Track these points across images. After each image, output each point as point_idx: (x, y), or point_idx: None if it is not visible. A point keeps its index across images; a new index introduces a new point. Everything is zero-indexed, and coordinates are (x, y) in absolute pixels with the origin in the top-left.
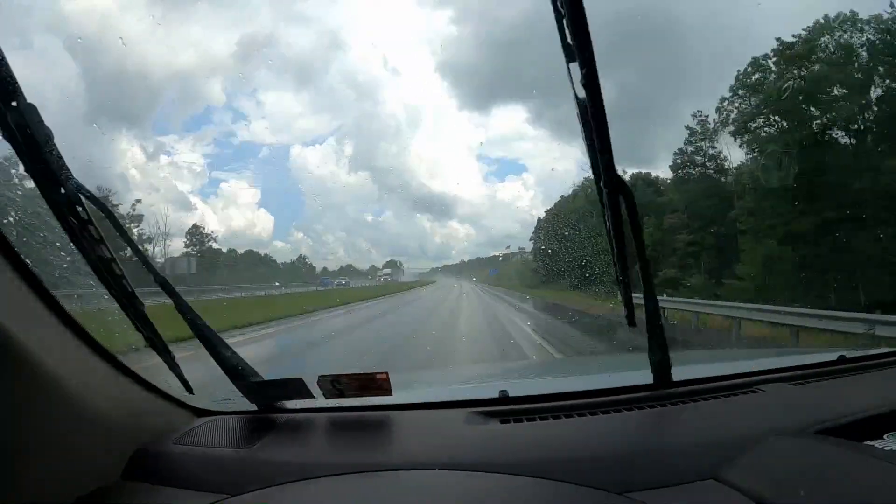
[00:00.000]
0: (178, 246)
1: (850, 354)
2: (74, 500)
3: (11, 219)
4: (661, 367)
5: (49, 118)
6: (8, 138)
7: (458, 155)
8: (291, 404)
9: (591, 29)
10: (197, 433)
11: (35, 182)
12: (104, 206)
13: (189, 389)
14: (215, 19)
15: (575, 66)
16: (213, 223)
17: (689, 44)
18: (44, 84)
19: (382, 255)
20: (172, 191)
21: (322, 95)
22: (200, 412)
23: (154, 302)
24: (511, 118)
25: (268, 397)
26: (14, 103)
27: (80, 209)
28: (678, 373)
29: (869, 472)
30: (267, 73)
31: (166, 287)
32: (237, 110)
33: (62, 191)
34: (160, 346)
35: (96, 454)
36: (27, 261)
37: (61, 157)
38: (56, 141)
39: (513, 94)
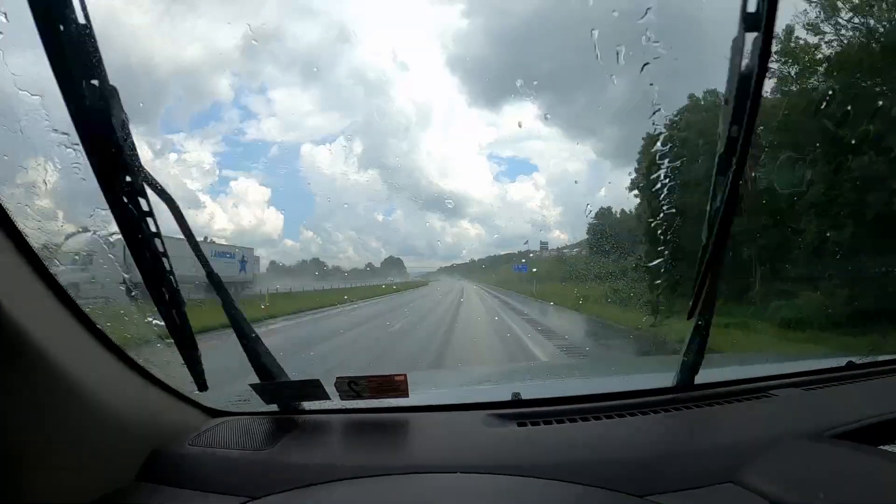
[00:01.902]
0: None
1: (858, 361)
2: (89, 501)
3: (31, 216)
4: (681, 371)
5: (58, 114)
6: (77, 115)
7: (469, 153)
8: (308, 405)
9: (605, 21)
10: (212, 434)
11: (96, 168)
12: (171, 200)
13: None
14: (220, 12)
15: (751, 36)
16: (223, 221)
17: (707, 39)
18: (51, 80)
19: (391, 253)
20: (181, 188)
21: (331, 91)
22: (215, 413)
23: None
24: (522, 115)
25: (284, 398)
26: (95, 81)
27: (142, 200)
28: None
29: (885, 475)
30: (275, 69)
31: (215, 282)
32: (245, 107)
33: (127, 179)
34: (189, 345)
35: (111, 455)
36: (44, 260)
37: (134, 146)
38: (64, 137)
39: (524, 90)
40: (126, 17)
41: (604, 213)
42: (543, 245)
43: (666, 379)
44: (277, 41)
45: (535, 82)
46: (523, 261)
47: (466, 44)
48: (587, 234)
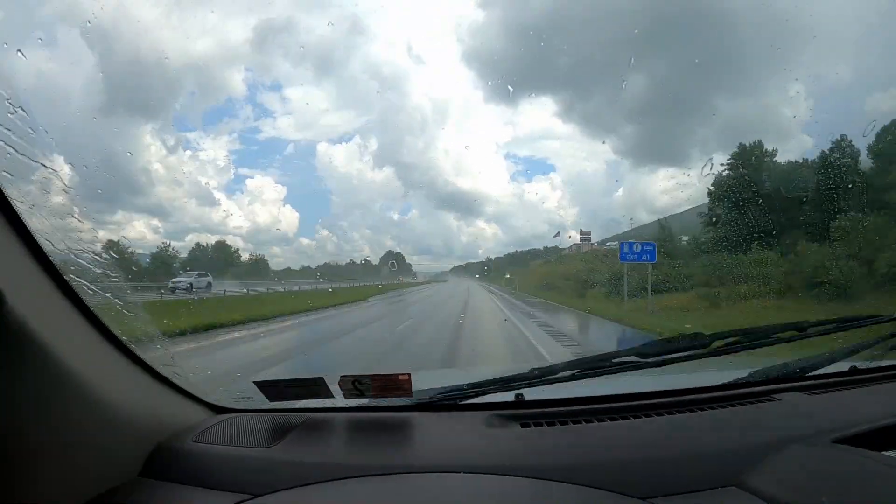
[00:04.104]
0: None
1: (861, 365)
2: (92, 498)
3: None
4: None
5: (70, 112)
6: None
7: (485, 152)
8: (311, 403)
9: (621, 16)
10: (216, 431)
11: None
12: None
13: None
14: (230, 4)
15: None
16: (239, 219)
17: (726, 33)
18: (64, 77)
19: (406, 253)
20: (196, 186)
21: (346, 87)
22: (219, 409)
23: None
24: (539, 112)
25: (288, 396)
26: None
27: None
28: (696, 379)
29: (888, 481)
30: (288, 64)
31: None
32: (261, 105)
33: None
34: None
35: (114, 451)
36: (49, 255)
37: None
38: (78, 133)
39: (541, 86)
40: (135, 10)
41: (753, 149)
42: (584, 236)
43: (671, 382)
44: (289, 34)
45: (554, 76)
46: (539, 258)
47: (483, 37)
48: (708, 195)
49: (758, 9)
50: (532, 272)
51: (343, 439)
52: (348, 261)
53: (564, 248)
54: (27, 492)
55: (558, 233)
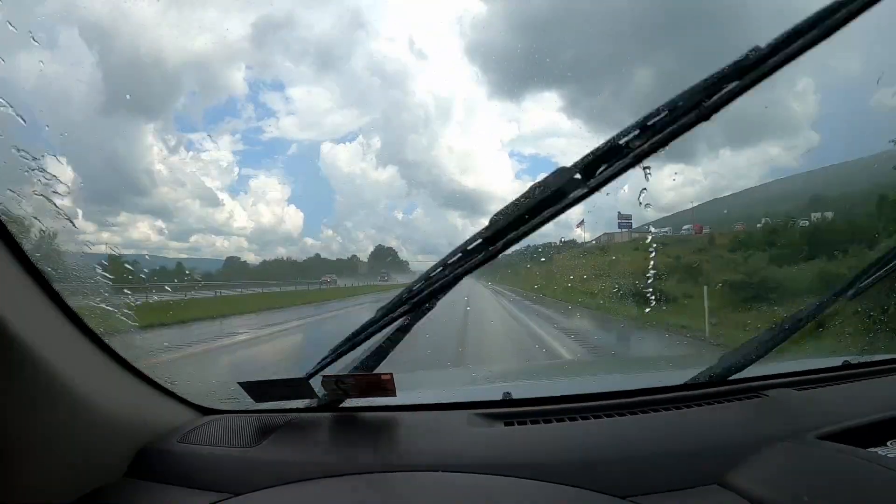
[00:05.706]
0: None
1: (853, 360)
2: (77, 498)
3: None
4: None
5: (72, 113)
6: None
7: (490, 149)
8: (295, 404)
9: (626, 6)
10: (201, 432)
11: None
12: None
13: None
14: (228, 1)
15: None
16: (243, 219)
17: (733, 25)
18: (66, 77)
19: (410, 251)
20: (199, 187)
21: (348, 85)
22: (205, 411)
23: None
24: (544, 108)
25: (272, 397)
26: None
27: None
28: (683, 376)
29: (873, 478)
30: (289, 61)
31: None
32: (264, 105)
33: None
34: None
35: (99, 452)
36: (30, 255)
37: None
38: (79, 136)
39: (546, 81)
40: (132, 8)
41: None
42: (624, 221)
43: (661, 379)
44: (289, 30)
45: (559, 70)
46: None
47: (486, 30)
48: None
49: (765, 1)
50: (570, 268)
51: (325, 439)
52: (313, 255)
53: (591, 241)
54: (12, 492)
55: (582, 221)
